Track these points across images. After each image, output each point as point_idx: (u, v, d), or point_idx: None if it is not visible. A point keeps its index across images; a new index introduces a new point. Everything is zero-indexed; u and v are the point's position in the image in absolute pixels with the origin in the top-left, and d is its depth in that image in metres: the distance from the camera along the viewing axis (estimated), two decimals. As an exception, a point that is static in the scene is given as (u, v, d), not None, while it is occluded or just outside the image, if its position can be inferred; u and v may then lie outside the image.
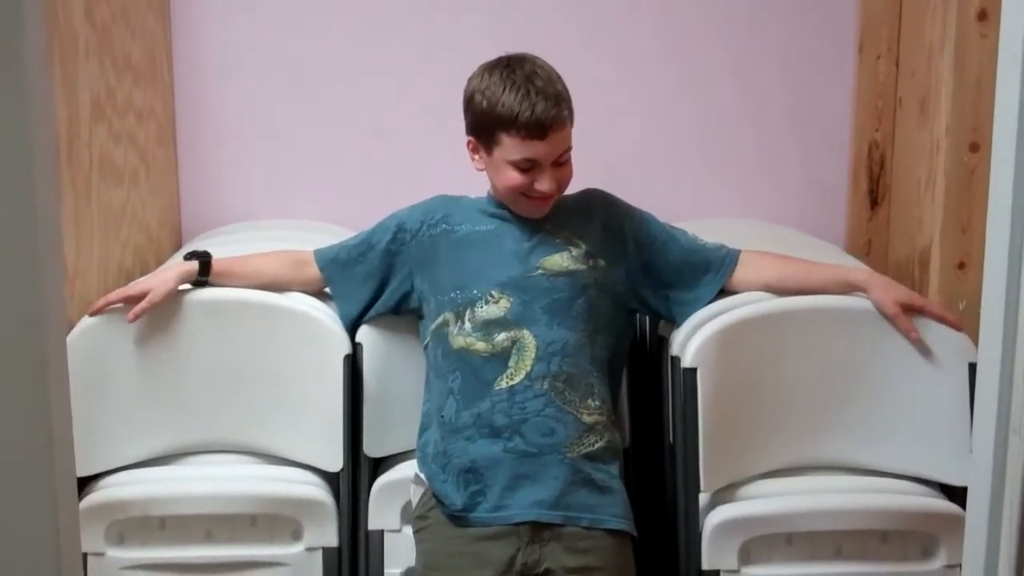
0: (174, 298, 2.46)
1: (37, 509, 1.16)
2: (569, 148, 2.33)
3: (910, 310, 2.39)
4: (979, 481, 1.40)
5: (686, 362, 2.35)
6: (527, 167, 2.30)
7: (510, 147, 2.29)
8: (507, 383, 2.28)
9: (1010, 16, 1.41)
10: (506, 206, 2.42)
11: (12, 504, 1.14)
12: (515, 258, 2.38)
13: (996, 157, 1.44)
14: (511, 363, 2.29)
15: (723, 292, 2.48)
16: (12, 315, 1.11)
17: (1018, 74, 1.38)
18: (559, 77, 2.33)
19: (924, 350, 2.38)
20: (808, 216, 3.33)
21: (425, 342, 2.44)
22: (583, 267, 2.37)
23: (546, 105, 2.25)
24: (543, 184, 2.31)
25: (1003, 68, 1.41)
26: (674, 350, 2.42)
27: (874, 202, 3.23)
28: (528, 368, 2.29)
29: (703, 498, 2.37)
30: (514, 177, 2.31)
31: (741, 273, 2.47)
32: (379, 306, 2.50)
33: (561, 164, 2.33)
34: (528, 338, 2.30)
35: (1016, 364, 1.31)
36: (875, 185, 3.23)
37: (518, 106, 2.25)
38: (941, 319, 2.39)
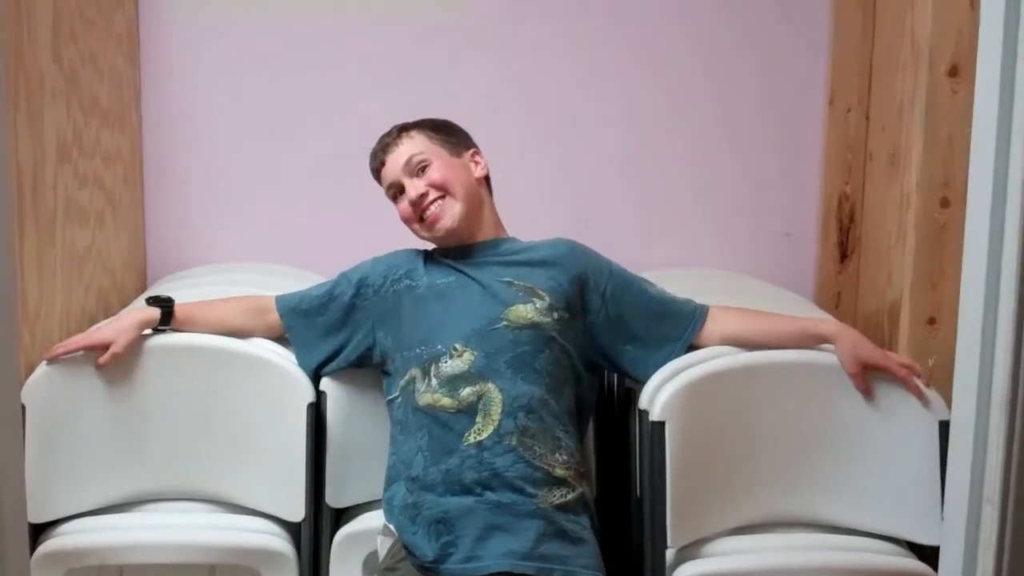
0: (137, 345, 2.42)
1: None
2: (420, 154, 2.46)
3: (875, 369, 2.36)
4: (951, 552, 1.37)
5: (654, 415, 2.33)
6: (399, 192, 2.47)
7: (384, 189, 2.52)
8: (475, 438, 2.26)
9: (985, 72, 1.40)
10: (454, 254, 2.46)
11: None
12: (479, 309, 2.36)
13: (971, 214, 1.43)
14: (478, 418, 2.27)
15: (690, 347, 2.45)
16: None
17: (993, 130, 1.37)
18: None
19: (892, 406, 2.36)
20: (777, 267, 3.32)
21: (392, 396, 2.40)
22: (547, 320, 2.35)
23: (382, 143, 2.51)
24: (409, 191, 2.44)
25: (978, 125, 1.40)
26: (642, 403, 2.39)
27: (844, 255, 3.23)
28: (496, 423, 2.26)
29: (670, 554, 2.33)
30: (399, 209, 2.48)
31: (710, 328, 2.45)
32: (341, 360, 2.47)
33: (422, 173, 2.45)
34: (494, 392, 2.28)
35: (990, 434, 1.28)
36: (845, 238, 3.23)
37: (370, 158, 2.54)
38: (905, 382, 2.35)
